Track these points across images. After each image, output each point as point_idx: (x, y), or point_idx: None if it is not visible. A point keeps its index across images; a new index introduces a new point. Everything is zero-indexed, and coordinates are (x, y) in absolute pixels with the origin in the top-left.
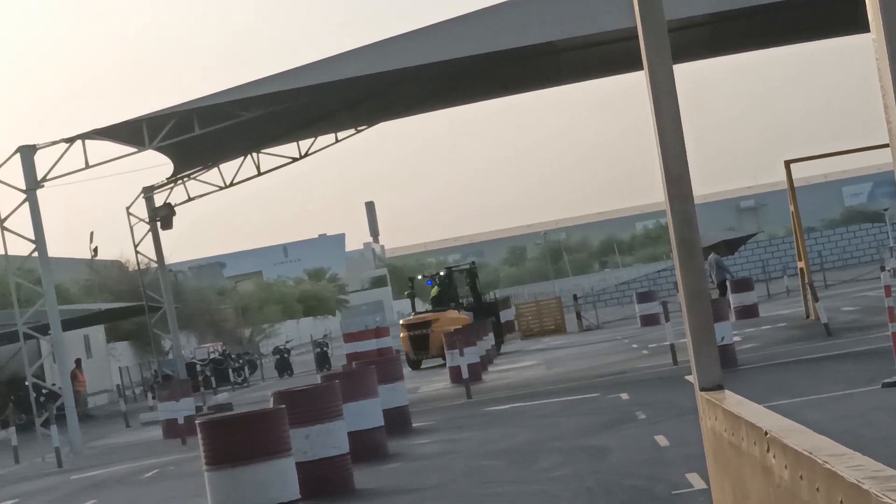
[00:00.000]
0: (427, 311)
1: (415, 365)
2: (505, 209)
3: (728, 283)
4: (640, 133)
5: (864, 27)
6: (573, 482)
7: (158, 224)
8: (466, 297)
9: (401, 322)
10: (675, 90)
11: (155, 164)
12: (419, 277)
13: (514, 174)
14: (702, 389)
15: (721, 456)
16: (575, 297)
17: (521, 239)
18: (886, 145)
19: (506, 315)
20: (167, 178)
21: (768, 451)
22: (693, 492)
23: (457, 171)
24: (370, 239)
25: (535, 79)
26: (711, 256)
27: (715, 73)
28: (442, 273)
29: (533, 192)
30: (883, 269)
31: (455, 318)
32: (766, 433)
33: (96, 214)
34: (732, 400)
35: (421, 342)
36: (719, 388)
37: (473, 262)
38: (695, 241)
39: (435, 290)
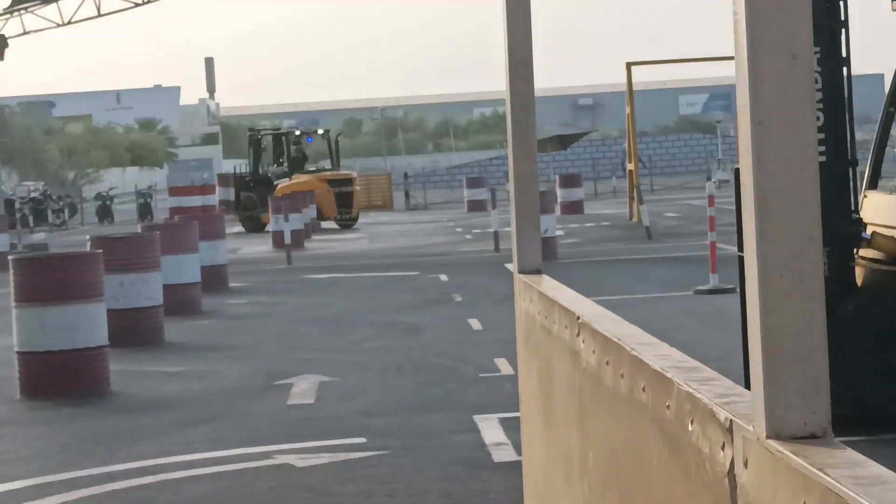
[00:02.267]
0: (328, 170)
1: (342, 223)
2: (345, 81)
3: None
4: (490, 16)
5: None
6: (383, 356)
7: None
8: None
9: (307, 177)
10: None
11: None
12: (297, 132)
13: (358, 46)
14: (520, 272)
15: (531, 339)
16: (405, 176)
17: (358, 112)
18: (726, 57)
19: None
20: (3, 9)
21: (578, 335)
22: (499, 376)
23: (301, 37)
24: (206, 95)
25: None
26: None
27: None
28: (321, 132)
29: (375, 66)
30: (709, 179)
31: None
32: (578, 318)
33: None
34: (549, 284)
35: (346, 200)
36: (538, 272)
37: (339, 131)
38: (530, 126)
39: (296, 151)
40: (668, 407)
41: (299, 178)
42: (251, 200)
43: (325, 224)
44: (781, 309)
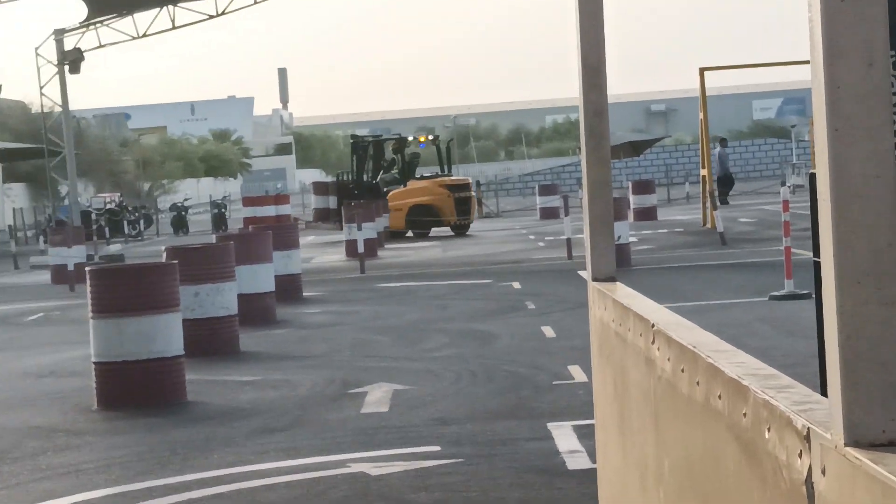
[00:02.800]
0: (443, 175)
1: (459, 229)
2: (418, 89)
3: (730, 177)
4: (562, 23)
5: None
6: (457, 363)
7: (66, 68)
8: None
9: (425, 184)
10: None
11: (68, 8)
12: (411, 138)
13: (430, 55)
14: (594, 280)
15: (606, 346)
16: (478, 184)
17: (430, 120)
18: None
19: None
20: (80, 23)
21: (653, 343)
22: (574, 384)
23: (372, 46)
24: (279, 105)
25: None
26: (718, 150)
27: None
28: (431, 137)
29: (448, 74)
30: (784, 184)
31: None
32: (652, 325)
33: (2, 53)
34: (623, 292)
35: (465, 205)
36: (612, 279)
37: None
38: (604, 133)
39: (409, 157)
40: (744, 414)
41: (416, 184)
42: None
43: (436, 230)
44: (859, 316)
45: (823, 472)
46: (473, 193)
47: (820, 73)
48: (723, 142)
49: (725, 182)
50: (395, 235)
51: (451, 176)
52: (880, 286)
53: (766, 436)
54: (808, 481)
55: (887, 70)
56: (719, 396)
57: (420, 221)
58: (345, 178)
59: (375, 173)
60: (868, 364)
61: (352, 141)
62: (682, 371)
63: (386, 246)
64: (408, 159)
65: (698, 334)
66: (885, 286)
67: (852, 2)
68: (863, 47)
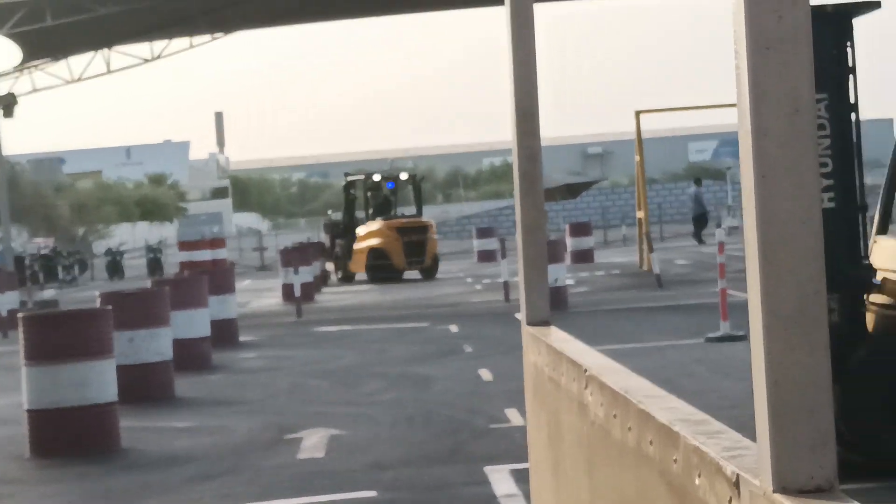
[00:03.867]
0: (405, 217)
1: (387, 276)
2: (354, 133)
3: (705, 216)
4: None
5: None
6: (395, 408)
7: (0, 112)
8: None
9: (377, 225)
10: (533, 23)
11: (1, 51)
12: (376, 178)
13: (366, 99)
14: (529, 324)
15: (540, 391)
16: None
17: (367, 164)
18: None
19: None
20: (13, 67)
21: (586, 388)
22: (510, 427)
23: (309, 90)
24: (216, 149)
25: (395, 3)
26: (693, 189)
27: (574, 17)
28: (404, 177)
29: (384, 118)
30: (719, 226)
31: (435, 229)
32: (585, 370)
33: None
34: (557, 336)
35: (417, 248)
36: (546, 323)
37: (416, 175)
38: (537, 177)
39: (378, 198)
40: (675, 461)
41: (372, 226)
42: (342, 249)
43: (408, 274)
44: (787, 362)
45: None
46: (432, 236)
47: (746, 120)
48: (697, 181)
49: (700, 221)
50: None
51: (415, 217)
52: (808, 332)
53: (697, 482)
54: None
55: (812, 117)
56: (651, 442)
57: (375, 266)
58: (335, 218)
59: (375, 212)
60: (796, 410)
61: (346, 181)
62: (615, 416)
63: (323, 290)
64: (377, 200)
65: (631, 379)
66: (813, 332)
67: (778, 50)
68: (788, 94)
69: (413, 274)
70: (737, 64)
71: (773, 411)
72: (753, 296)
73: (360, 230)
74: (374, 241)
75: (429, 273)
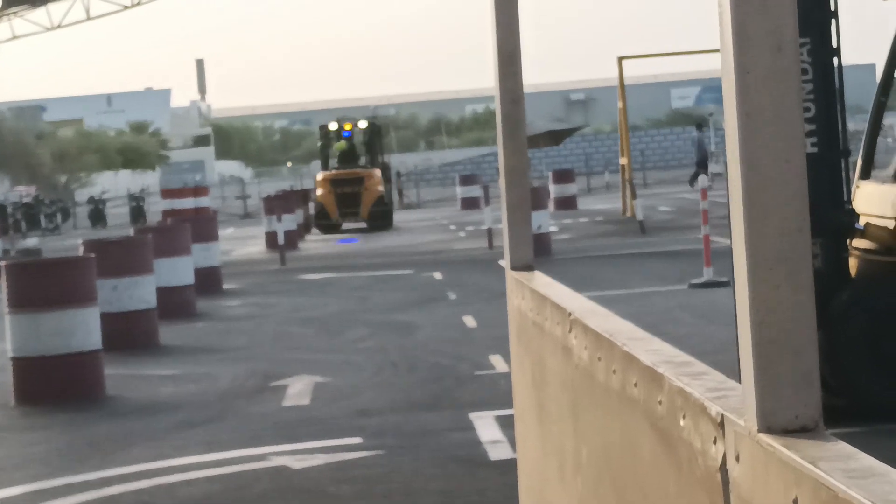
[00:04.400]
0: (346, 168)
1: (330, 228)
2: (337, 81)
3: (706, 161)
4: (479, 13)
5: None
6: (378, 355)
7: None
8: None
9: (320, 177)
10: None
11: None
12: (332, 126)
13: (348, 45)
14: (512, 269)
15: (524, 336)
16: (398, 174)
17: (350, 111)
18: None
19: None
20: None
21: (570, 331)
22: (495, 374)
23: (290, 37)
24: (197, 97)
25: None
26: (695, 134)
27: None
28: (363, 125)
29: (365, 65)
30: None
31: (379, 179)
32: (569, 314)
33: None
34: (541, 281)
35: (351, 200)
36: (529, 268)
37: (375, 123)
38: (520, 120)
39: (342, 145)
40: (659, 402)
41: (317, 179)
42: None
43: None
44: (771, 302)
45: (738, 459)
46: (372, 187)
47: (730, 60)
48: (699, 126)
49: (702, 165)
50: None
51: (364, 168)
52: (791, 270)
53: (682, 423)
54: (723, 468)
55: (796, 55)
56: (635, 384)
57: (317, 219)
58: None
59: (338, 162)
60: (780, 350)
61: (320, 131)
62: (599, 360)
63: (307, 238)
64: (334, 150)
65: (615, 322)
66: (797, 272)
67: None
68: (771, 33)
69: (400, 221)
70: (720, 2)
71: (758, 351)
72: (737, 236)
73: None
74: (316, 194)
75: (374, 224)
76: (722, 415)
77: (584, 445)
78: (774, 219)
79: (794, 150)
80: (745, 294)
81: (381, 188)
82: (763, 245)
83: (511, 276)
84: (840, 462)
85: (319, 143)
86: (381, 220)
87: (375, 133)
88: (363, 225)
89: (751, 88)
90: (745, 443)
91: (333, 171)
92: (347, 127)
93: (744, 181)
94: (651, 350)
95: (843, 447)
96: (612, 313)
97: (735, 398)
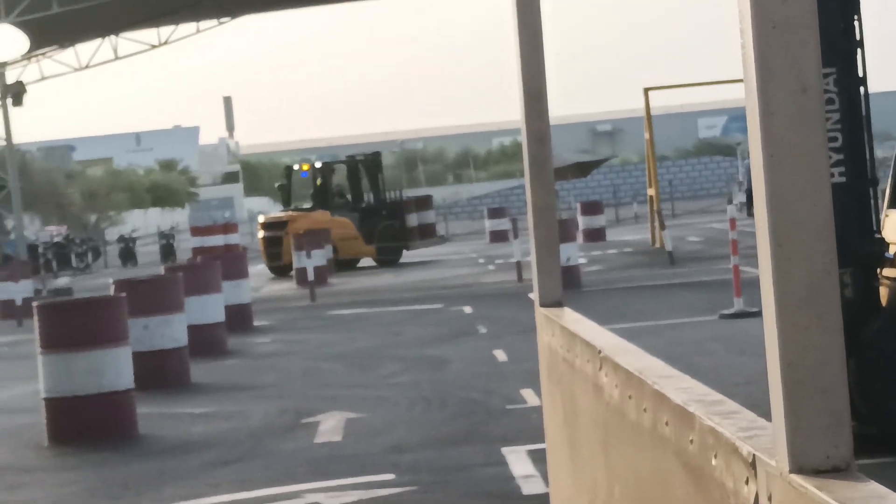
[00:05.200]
0: (289, 210)
1: (276, 270)
2: (364, 115)
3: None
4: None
5: None
6: (410, 390)
7: (9, 101)
8: (365, 194)
9: (260, 220)
10: (539, 3)
11: (10, 40)
12: (295, 167)
13: (375, 81)
14: (541, 305)
15: (555, 372)
16: None
17: (377, 146)
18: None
19: (424, 217)
20: (22, 56)
21: (600, 369)
22: (527, 408)
23: (317, 72)
24: (225, 134)
25: None
26: (747, 161)
27: None
28: (318, 164)
29: (393, 100)
30: (730, 202)
31: (320, 220)
32: (599, 351)
33: None
34: (571, 317)
35: (274, 246)
36: (559, 304)
37: (378, 153)
38: (546, 158)
39: (284, 185)
40: (691, 441)
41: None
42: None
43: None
44: (800, 342)
45: (770, 499)
46: (289, 232)
47: (754, 100)
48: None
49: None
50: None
51: (309, 210)
52: (820, 312)
53: (714, 462)
54: None
55: (820, 94)
56: (666, 423)
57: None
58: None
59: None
60: (810, 391)
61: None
62: (630, 398)
63: (336, 273)
64: (308, 190)
65: (645, 360)
66: (825, 312)
67: (783, 27)
68: (795, 73)
69: (423, 254)
70: (742, 43)
71: (788, 392)
72: (765, 277)
73: None
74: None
75: (285, 271)
76: (753, 455)
77: (616, 482)
78: (802, 260)
79: (821, 190)
80: (774, 335)
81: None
82: (791, 286)
83: (541, 312)
84: (873, 502)
85: (279, 183)
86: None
87: (354, 169)
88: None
89: (776, 130)
90: (777, 483)
91: (270, 215)
92: (305, 168)
93: (770, 222)
94: (681, 388)
95: (876, 488)
96: (642, 350)
97: (766, 438)
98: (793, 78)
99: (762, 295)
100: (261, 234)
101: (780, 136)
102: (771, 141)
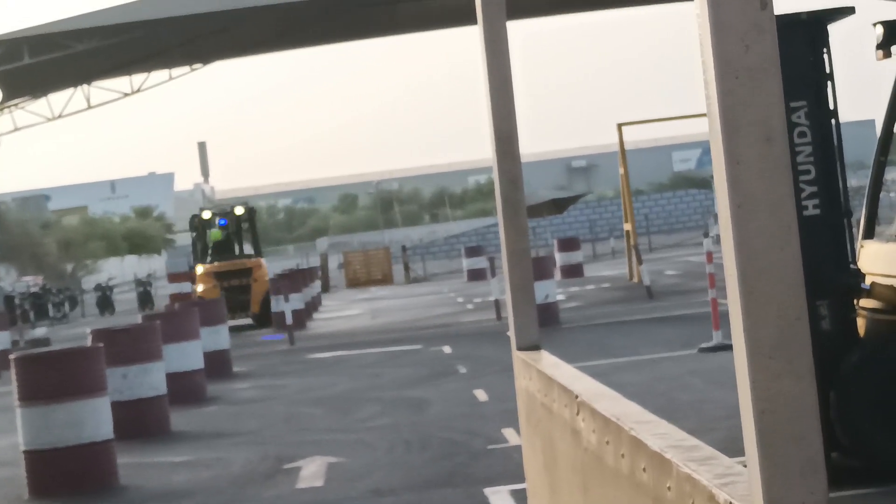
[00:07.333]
0: (225, 259)
1: (240, 318)
2: (338, 157)
3: None
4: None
5: None
6: (390, 433)
7: None
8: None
9: (200, 270)
10: (508, 48)
11: None
12: (206, 215)
13: (349, 123)
14: (518, 349)
15: (533, 416)
16: (403, 248)
17: (353, 187)
18: None
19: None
20: None
21: (578, 414)
22: (508, 447)
23: (291, 116)
24: (201, 179)
25: (372, 27)
26: None
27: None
28: (240, 211)
29: (367, 141)
30: (706, 235)
31: (266, 269)
32: (576, 396)
33: None
34: (548, 361)
35: (240, 295)
36: (536, 348)
37: (252, 207)
38: (520, 201)
39: (217, 234)
40: (668, 488)
41: (198, 271)
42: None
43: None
44: (773, 390)
45: None
46: (260, 278)
47: (720, 150)
48: None
49: None
50: None
51: (243, 257)
52: (792, 360)
53: None
54: None
55: (784, 143)
56: (644, 469)
57: None
58: None
59: (214, 252)
60: (784, 438)
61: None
62: (607, 443)
63: (314, 317)
64: (211, 240)
65: (621, 405)
66: (797, 360)
67: (746, 77)
68: (760, 123)
69: (407, 294)
70: (707, 94)
71: (762, 440)
72: (736, 325)
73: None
74: (199, 289)
75: (264, 320)
76: (730, 502)
77: None
78: (772, 308)
79: (789, 238)
80: (747, 384)
81: (267, 279)
82: (762, 334)
83: (518, 356)
84: None
85: (193, 234)
86: (266, 316)
87: (253, 219)
88: (248, 321)
89: (742, 179)
90: None
91: (216, 264)
92: (223, 215)
93: (740, 271)
94: (658, 434)
95: None
96: (619, 395)
97: (742, 485)
98: (757, 127)
99: (734, 342)
100: (211, 285)
101: (746, 185)
102: (738, 191)
